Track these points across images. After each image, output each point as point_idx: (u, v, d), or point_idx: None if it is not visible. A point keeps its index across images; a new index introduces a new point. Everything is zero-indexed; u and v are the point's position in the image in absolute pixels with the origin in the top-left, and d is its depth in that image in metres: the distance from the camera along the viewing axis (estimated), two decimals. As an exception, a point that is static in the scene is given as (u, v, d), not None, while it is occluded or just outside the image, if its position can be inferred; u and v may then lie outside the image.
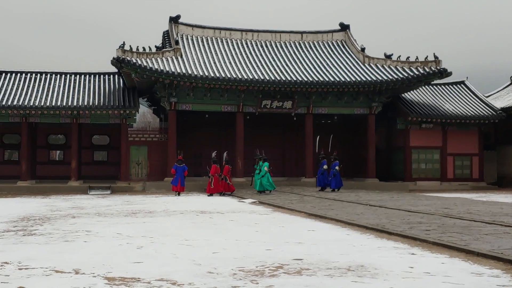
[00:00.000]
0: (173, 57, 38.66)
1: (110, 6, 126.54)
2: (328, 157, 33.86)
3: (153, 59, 37.40)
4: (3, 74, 40.43)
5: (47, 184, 37.42)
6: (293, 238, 12.95)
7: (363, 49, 42.64)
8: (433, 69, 39.82)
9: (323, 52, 43.52)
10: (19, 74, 40.61)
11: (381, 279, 8.32)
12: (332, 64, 41.47)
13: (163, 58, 38.10)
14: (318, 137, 35.79)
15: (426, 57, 40.78)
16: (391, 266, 9.35)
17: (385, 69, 40.47)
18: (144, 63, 36.11)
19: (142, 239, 12.82)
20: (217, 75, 37.28)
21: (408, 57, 41.42)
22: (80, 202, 26.41)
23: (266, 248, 11.37)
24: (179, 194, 31.98)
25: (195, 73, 36.84)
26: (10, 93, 37.96)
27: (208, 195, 31.27)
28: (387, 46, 61.90)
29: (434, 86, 46.34)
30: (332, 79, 38.57)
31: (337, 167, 32.70)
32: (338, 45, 44.71)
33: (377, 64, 41.36)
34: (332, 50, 43.93)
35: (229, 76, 37.35)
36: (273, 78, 37.90)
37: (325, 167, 33.13)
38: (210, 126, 42.15)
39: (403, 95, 43.36)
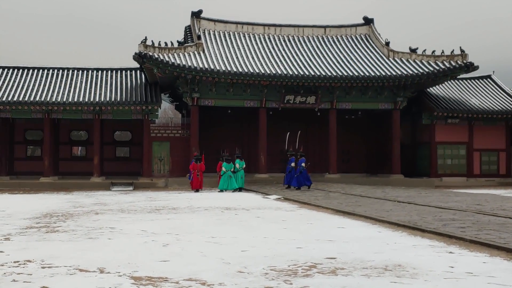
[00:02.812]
0: (195, 52, 38.35)
1: (132, 2, 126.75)
2: (296, 154, 32.38)
3: (175, 54, 37.13)
4: (26, 70, 40.42)
5: (69, 180, 37.33)
6: (323, 235, 12.55)
7: (387, 43, 42.00)
8: (459, 63, 39.10)
9: (347, 47, 42.96)
10: (41, 70, 40.56)
11: (421, 280, 7.89)
12: (356, 59, 40.90)
13: (185, 53, 37.82)
14: (288, 133, 34.62)
15: (452, 51, 40.07)
16: (430, 265, 8.92)
17: (410, 64, 39.83)
18: (166, 58, 35.84)
19: (168, 237, 12.48)
20: (240, 70, 36.92)
21: (433, 51, 40.73)
22: (103, 198, 26.21)
23: (297, 246, 10.97)
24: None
25: (218, 68, 36.51)
26: (32, 89, 37.90)
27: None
28: (412, 40, 61.22)
29: (460, 81, 45.62)
30: (356, 74, 38.03)
31: (303, 164, 30.92)
32: (362, 39, 44.11)
33: (402, 59, 40.72)
34: (356, 44, 43.35)
35: (251, 71, 36.98)
36: (296, 73, 37.45)
37: (292, 164, 31.78)
38: (233, 122, 41.75)
39: (428, 89, 42.72)
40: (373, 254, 9.98)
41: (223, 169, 31.82)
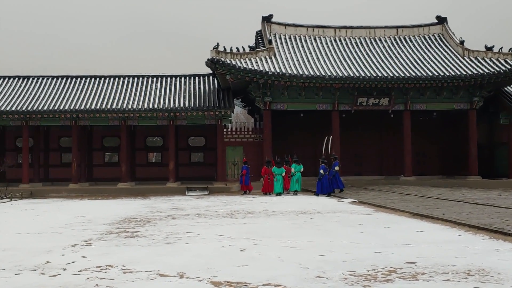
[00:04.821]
0: (267, 57, 38.49)
1: (203, 10, 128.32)
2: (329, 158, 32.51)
3: (246, 59, 37.35)
4: (102, 79, 41.46)
5: (146, 186, 38.02)
6: (402, 239, 12.34)
7: (462, 42, 41.12)
8: (539, 60, 37.87)
9: (420, 47, 42.29)
10: (117, 79, 41.52)
11: (507, 285, 7.66)
12: (430, 59, 40.21)
13: (257, 58, 38.00)
14: (327, 137, 34.26)
15: (531, 48, 38.88)
16: (515, 270, 8.64)
17: (486, 62, 38.86)
18: (238, 63, 36.09)
19: (244, 241, 12.53)
20: (311, 73, 36.83)
21: (510, 49, 39.57)
22: (179, 203, 26.55)
23: (375, 250, 10.83)
24: (246, 193, 33.83)
25: (289, 72, 36.53)
26: (109, 97, 38.82)
27: (263, 194, 32.65)
28: (488, 38, 59.59)
29: (540, 79, 44.09)
30: (430, 74, 37.37)
31: (336, 168, 30.92)
32: (435, 39, 43.34)
33: (477, 57, 39.78)
34: (429, 44, 42.63)
35: (323, 74, 36.82)
36: (368, 74, 37.10)
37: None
38: (305, 125, 41.65)
39: (506, 88, 41.49)
40: (454, 258, 9.76)
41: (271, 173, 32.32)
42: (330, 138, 34.27)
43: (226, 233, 14.00)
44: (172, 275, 8.91)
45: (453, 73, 37.44)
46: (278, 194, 31.45)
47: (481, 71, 37.49)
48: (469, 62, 39.29)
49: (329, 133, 37.47)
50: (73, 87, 40.47)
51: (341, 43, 42.37)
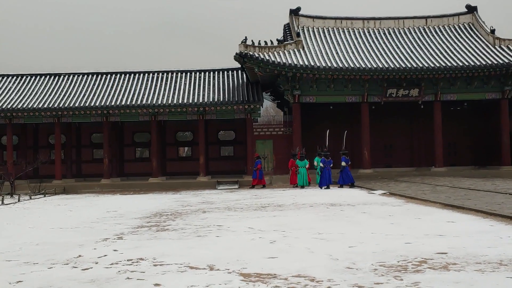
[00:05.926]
0: (295, 50, 38.41)
1: (231, 3, 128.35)
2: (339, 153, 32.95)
3: (275, 53, 37.32)
4: (132, 75, 41.75)
5: (176, 180, 38.23)
6: (432, 230, 12.26)
7: (492, 31, 40.57)
8: None
9: (450, 36, 41.82)
10: (147, 74, 41.80)
11: (540, 275, 7.57)
12: (460, 48, 39.76)
13: (285, 51, 37.94)
14: (328, 130, 34.15)
15: None
16: (548, 260, 8.54)
17: (518, 51, 38.33)
18: (267, 57, 36.08)
19: (274, 233, 12.56)
20: (340, 65, 36.65)
21: (543, 37, 39.03)
22: (209, 197, 26.68)
23: (405, 241, 10.78)
24: (254, 187, 34.33)
25: (318, 64, 36.41)
26: (139, 93, 39.10)
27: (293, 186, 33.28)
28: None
29: None
30: (460, 64, 36.95)
31: (343, 163, 31.35)
32: (465, 28, 42.83)
33: (509, 46, 39.26)
34: (459, 34, 42.15)
35: (352, 66, 36.63)
36: (398, 65, 36.80)
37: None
38: (334, 118, 41.42)
39: (538, 77, 40.85)
40: (486, 249, 9.67)
41: (296, 165, 33.08)
42: (345, 133, 34.51)
43: (256, 226, 14.05)
44: (202, 267, 8.97)
45: (484, 63, 36.99)
46: (302, 186, 31.77)
47: (513, 60, 37.01)
48: (500, 51, 38.79)
49: (356, 126, 37.55)
50: (103, 84, 40.87)
51: (370, 35, 42.10)
